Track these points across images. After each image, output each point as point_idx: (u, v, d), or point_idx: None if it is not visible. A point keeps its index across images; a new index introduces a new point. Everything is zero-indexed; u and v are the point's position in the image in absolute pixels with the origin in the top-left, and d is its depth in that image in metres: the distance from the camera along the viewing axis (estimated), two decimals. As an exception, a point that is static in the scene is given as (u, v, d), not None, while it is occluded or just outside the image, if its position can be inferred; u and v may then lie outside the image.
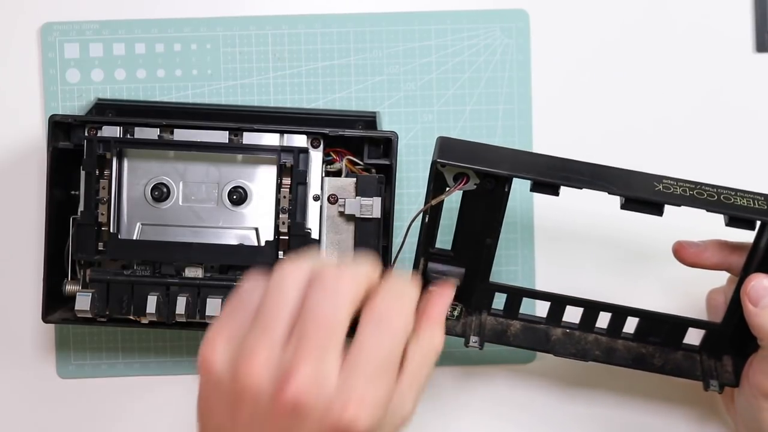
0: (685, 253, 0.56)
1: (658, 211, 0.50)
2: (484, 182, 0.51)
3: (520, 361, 0.64)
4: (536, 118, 0.63)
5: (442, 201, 0.52)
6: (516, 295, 0.56)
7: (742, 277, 0.53)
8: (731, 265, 0.55)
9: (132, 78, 0.62)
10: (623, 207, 0.51)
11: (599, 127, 0.64)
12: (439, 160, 0.50)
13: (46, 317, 0.57)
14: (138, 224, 0.58)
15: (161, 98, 0.62)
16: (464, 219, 0.53)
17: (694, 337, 0.57)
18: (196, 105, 0.62)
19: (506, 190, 0.51)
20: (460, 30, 0.63)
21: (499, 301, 0.57)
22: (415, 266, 0.54)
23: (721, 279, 0.57)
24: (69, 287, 0.58)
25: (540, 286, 0.63)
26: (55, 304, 0.58)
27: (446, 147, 0.50)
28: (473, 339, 0.55)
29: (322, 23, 0.63)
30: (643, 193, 0.50)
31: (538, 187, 0.50)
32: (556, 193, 0.51)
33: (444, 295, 0.49)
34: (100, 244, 0.57)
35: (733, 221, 0.50)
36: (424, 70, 0.63)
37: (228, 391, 0.43)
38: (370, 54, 0.63)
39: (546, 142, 0.63)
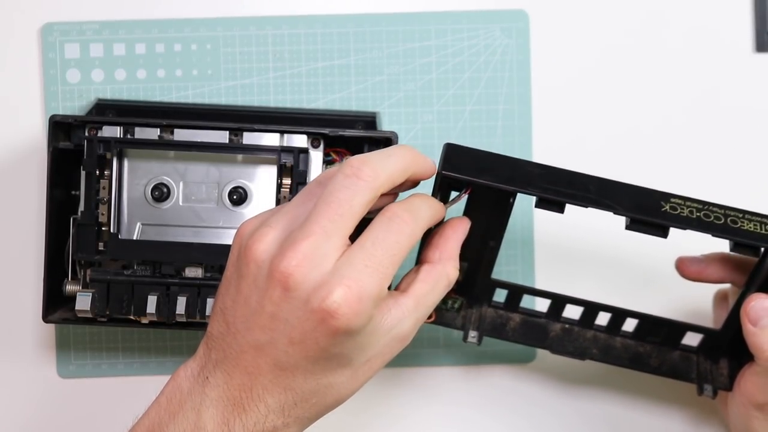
0: (687, 269, 0.56)
1: (663, 233, 0.50)
2: (488, 193, 0.50)
3: (520, 360, 0.64)
4: (536, 118, 0.63)
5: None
6: (517, 292, 0.56)
7: (743, 293, 0.53)
8: (734, 280, 0.55)
9: (132, 78, 0.62)
10: (628, 227, 0.50)
11: (599, 127, 0.64)
12: (444, 172, 0.49)
13: (46, 317, 0.57)
14: (138, 224, 0.58)
15: (161, 98, 0.62)
16: (468, 218, 0.53)
17: (693, 341, 0.57)
18: (196, 105, 0.62)
19: (511, 201, 0.51)
20: (460, 30, 0.63)
21: (500, 301, 0.57)
22: (418, 262, 0.54)
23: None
24: (69, 287, 0.58)
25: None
26: (55, 304, 0.58)
27: (451, 156, 0.49)
28: (472, 334, 0.55)
29: (322, 24, 0.63)
30: (649, 215, 0.49)
31: (543, 203, 0.49)
32: (561, 211, 0.50)
33: (458, 230, 0.49)
34: (101, 244, 0.57)
35: (737, 247, 0.50)
36: (424, 70, 0.63)
37: (237, 261, 0.45)
38: (370, 54, 0.63)
39: (546, 143, 0.63)
